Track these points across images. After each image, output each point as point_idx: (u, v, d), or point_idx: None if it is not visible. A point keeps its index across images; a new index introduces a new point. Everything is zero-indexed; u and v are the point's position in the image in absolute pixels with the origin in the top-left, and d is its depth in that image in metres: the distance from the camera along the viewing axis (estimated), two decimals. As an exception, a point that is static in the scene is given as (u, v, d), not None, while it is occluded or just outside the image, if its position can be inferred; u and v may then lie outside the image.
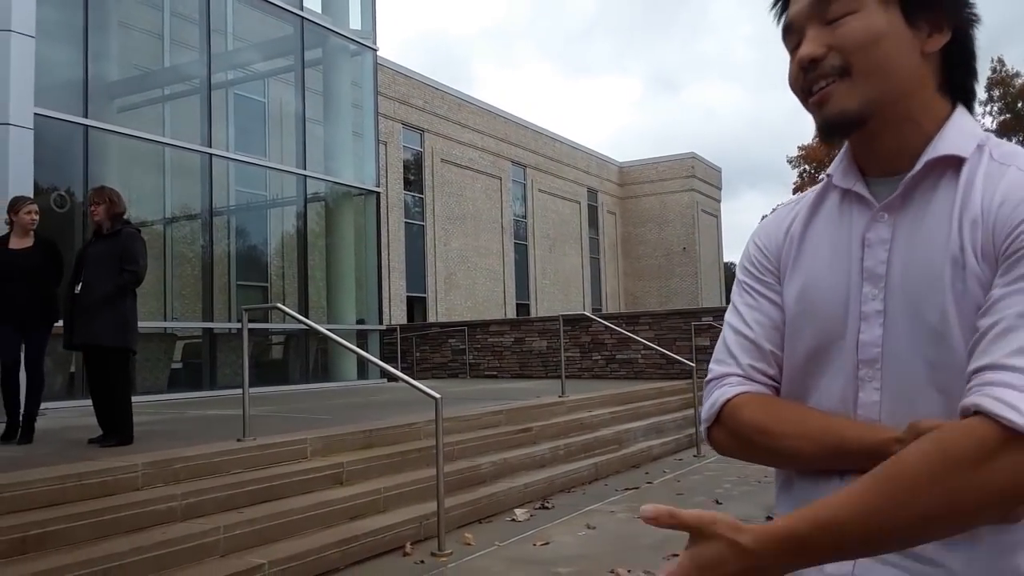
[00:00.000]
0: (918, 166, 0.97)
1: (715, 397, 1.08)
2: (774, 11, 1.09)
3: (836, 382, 1.01)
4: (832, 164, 1.10)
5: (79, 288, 5.60)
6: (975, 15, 1.00)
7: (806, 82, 1.01)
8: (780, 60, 1.09)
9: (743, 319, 1.11)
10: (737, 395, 1.06)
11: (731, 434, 1.06)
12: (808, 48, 0.99)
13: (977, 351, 0.86)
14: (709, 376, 1.12)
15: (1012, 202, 0.89)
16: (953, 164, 0.96)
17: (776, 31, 1.09)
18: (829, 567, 0.93)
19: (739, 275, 1.16)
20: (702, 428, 1.11)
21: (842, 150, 1.09)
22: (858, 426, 0.97)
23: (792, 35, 1.04)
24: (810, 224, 1.09)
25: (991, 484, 0.79)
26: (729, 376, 1.09)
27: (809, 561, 0.85)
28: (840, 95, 0.98)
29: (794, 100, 1.07)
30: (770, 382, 1.08)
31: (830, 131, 1.02)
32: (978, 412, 0.81)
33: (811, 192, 1.13)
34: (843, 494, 0.84)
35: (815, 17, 1.00)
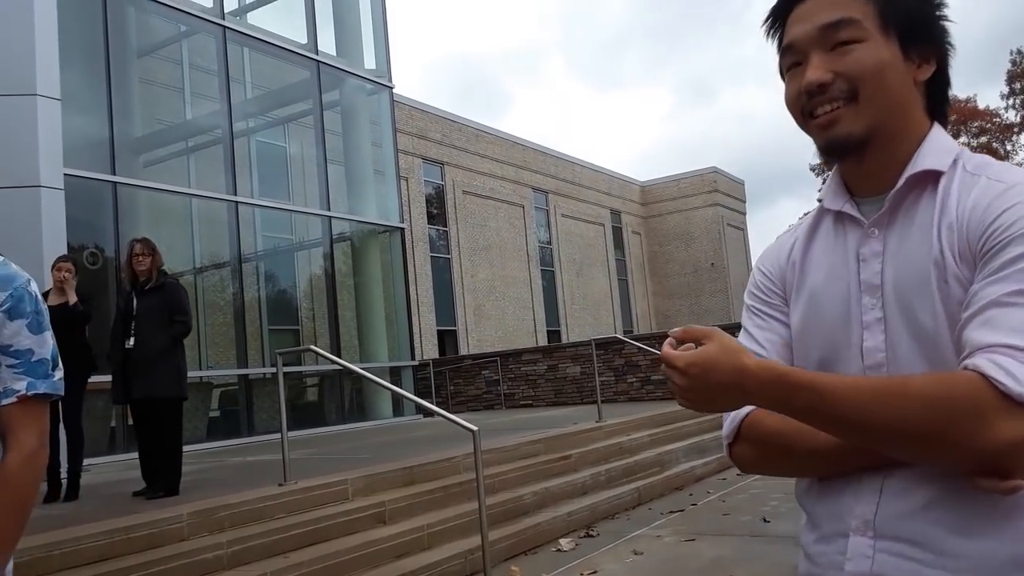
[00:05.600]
0: (900, 182, 1.05)
1: (733, 415, 1.13)
2: (767, 28, 1.15)
3: None
4: (822, 189, 1.17)
5: (131, 342, 5.68)
6: (952, 46, 1.10)
7: (810, 104, 1.08)
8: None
9: (754, 339, 1.18)
10: (754, 410, 1.10)
11: (755, 446, 1.11)
12: (816, 74, 1.06)
13: (964, 339, 0.94)
14: None
15: (982, 206, 0.98)
16: (932, 178, 1.05)
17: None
18: (849, 565, 1.01)
19: (747, 300, 1.24)
20: (724, 446, 1.17)
21: (830, 174, 1.16)
22: None
23: (790, 55, 1.11)
24: (809, 248, 1.17)
25: (972, 437, 0.88)
26: None
27: (784, 406, 0.96)
28: (848, 119, 1.05)
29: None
30: None
31: (833, 151, 1.09)
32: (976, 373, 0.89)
33: (808, 218, 1.21)
34: (844, 378, 0.97)
35: (820, 42, 1.06)
